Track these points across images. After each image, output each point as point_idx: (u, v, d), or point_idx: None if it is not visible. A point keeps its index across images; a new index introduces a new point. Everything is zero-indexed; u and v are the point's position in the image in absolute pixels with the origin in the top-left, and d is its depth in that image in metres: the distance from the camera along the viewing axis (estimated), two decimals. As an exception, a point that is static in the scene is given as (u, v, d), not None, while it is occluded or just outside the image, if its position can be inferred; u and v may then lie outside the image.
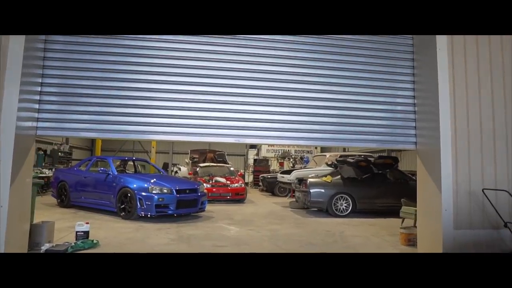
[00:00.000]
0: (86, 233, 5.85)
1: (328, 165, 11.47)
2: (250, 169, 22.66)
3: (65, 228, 6.81)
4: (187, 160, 19.67)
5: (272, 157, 22.03)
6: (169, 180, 9.26)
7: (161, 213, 8.22)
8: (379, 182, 10.05)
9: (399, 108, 5.64)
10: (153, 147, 22.11)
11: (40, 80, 4.84)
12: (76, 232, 5.81)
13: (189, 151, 19.66)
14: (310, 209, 10.58)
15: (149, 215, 8.12)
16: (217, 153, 18.92)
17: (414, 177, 10.48)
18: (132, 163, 11.52)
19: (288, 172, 13.85)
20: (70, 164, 18.21)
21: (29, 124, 4.66)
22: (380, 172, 10.17)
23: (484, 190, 4.99)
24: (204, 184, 11.75)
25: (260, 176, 18.01)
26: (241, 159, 27.36)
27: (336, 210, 9.71)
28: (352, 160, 10.37)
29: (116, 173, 9.06)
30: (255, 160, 22.12)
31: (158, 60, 5.12)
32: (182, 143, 25.84)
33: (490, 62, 5.34)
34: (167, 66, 5.14)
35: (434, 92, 5.19)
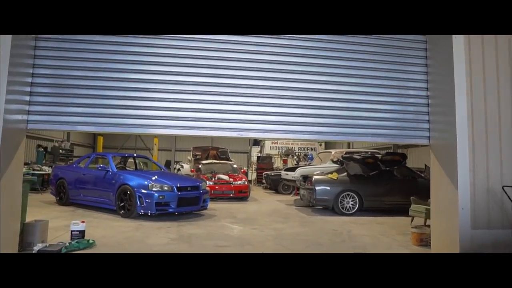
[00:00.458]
0: (82, 233, 5.57)
1: (334, 162, 11.18)
2: (253, 166, 22.37)
3: (62, 227, 6.54)
4: (189, 158, 19.42)
5: (275, 155, 21.75)
6: (170, 177, 8.99)
7: (162, 211, 7.94)
8: (386, 179, 9.72)
9: (411, 101, 5.33)
10: (155, 144, 21.85)
11: (31, 70, 4.57)
12: (71, 231, 5.53)
13: (192, 148, 19.40)
14: (315, 207, 10.28)
15: (149, 214, 7.84)
16: (220, 150, 18.66)
17: (422, 174, 10.18)
18: (132, 160, 11.26)
19: (292, 169, 13.57)
20: (70, 161, 17.98)
21: (19, 117, 4.39)
22: (387, 169, 9.84)
23: (504, 188, 4.67)
24: (207, 182, 11.47)
25: (263, 173, 17.75)
26: (244, 157, 27.09)
27: (343, 208, 9.40)
28: (358, 157, 10.06)
29: (115, 170, 8.80)
30: (258, 157, 21.85)
31: (157, 50, 4.83)
32: (184, 140, 25.63)
33: (510, 55, 5.01)
34: (167, 56, 4.86)
35: (449, 84, 4.88)
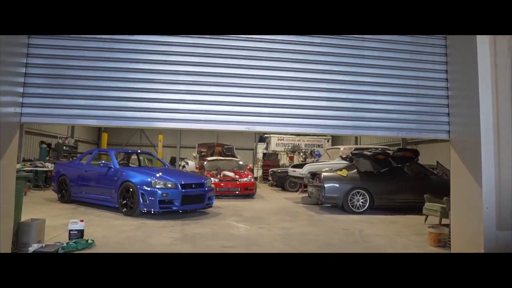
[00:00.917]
0: (81, 232, 5.29)
1: (343, 159, 10.82)
2: (259, 163, 22.08)
3: (62, 225, 6.26)
4: (194, 154, 19.14)
5: (281, 151, 21.42)
6: (174, 174, 8.71)
7: (165, 209, 7.65)
8: (398, 177, 9.36)
9: (430, 92, 4.97)
10: (160, 141, 21.64)
11: (24, 60, 4.28)
12: (69, 231, 5.26)
13: (197, 144, 19.13)
14: (324, 205, 9.96)
15: (152, 212, 7.56)
16: (225, 146, 18.36)
17: (435, 171, 9.81)
18: (136, 156, 10.99)
19: (300, 166, 13.24)
20: (73, 158, 17.80)
21: (11, 110, 4.11)
22: (399, 165, 9.47)
23: (533, 185, 4.32)
24: (212, 179, 11.19)
25: (269, 170, 17.45)
26: (250, 153, 26.81)
27: (352, 206, 9.06)
28: (369, 153, 9.70)
29: (117, 166, 8.53)
30: (264, 154, 21.52)
31: (159, 38, 4.51)
32: (189, 137, 25.41)
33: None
34: (170, 44, 4.54)
35: (472, 76, 4.51)
